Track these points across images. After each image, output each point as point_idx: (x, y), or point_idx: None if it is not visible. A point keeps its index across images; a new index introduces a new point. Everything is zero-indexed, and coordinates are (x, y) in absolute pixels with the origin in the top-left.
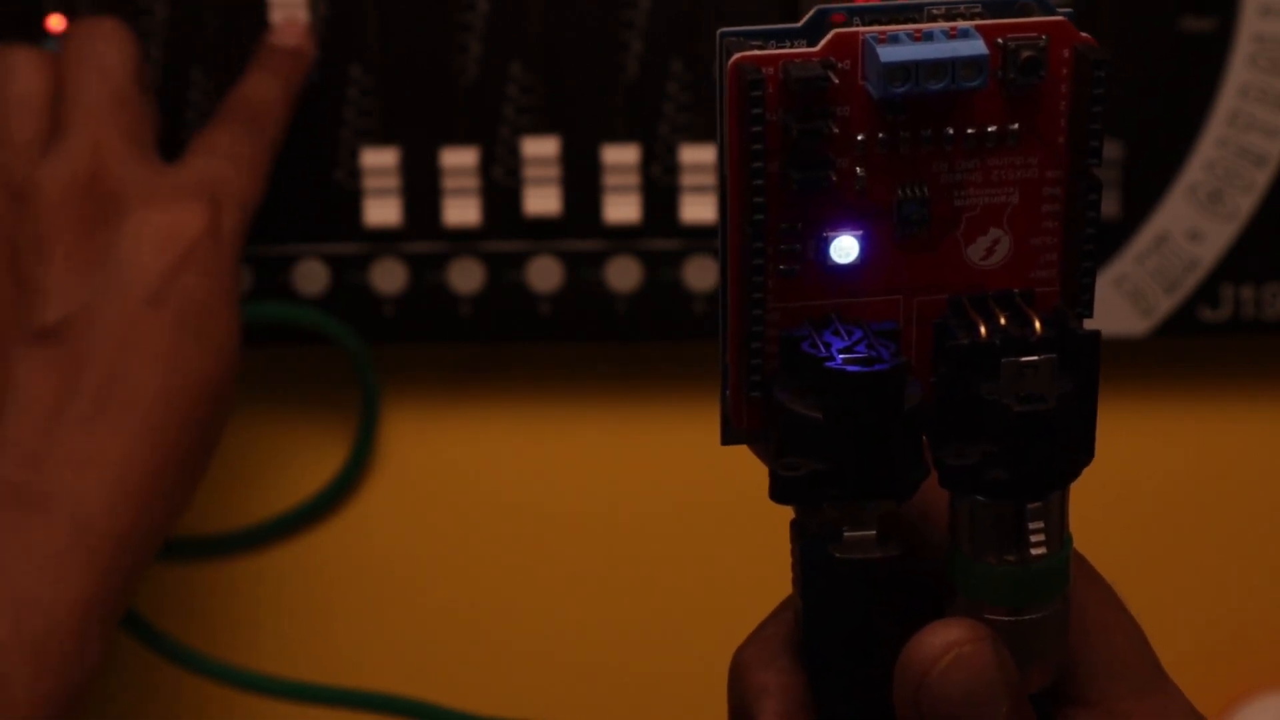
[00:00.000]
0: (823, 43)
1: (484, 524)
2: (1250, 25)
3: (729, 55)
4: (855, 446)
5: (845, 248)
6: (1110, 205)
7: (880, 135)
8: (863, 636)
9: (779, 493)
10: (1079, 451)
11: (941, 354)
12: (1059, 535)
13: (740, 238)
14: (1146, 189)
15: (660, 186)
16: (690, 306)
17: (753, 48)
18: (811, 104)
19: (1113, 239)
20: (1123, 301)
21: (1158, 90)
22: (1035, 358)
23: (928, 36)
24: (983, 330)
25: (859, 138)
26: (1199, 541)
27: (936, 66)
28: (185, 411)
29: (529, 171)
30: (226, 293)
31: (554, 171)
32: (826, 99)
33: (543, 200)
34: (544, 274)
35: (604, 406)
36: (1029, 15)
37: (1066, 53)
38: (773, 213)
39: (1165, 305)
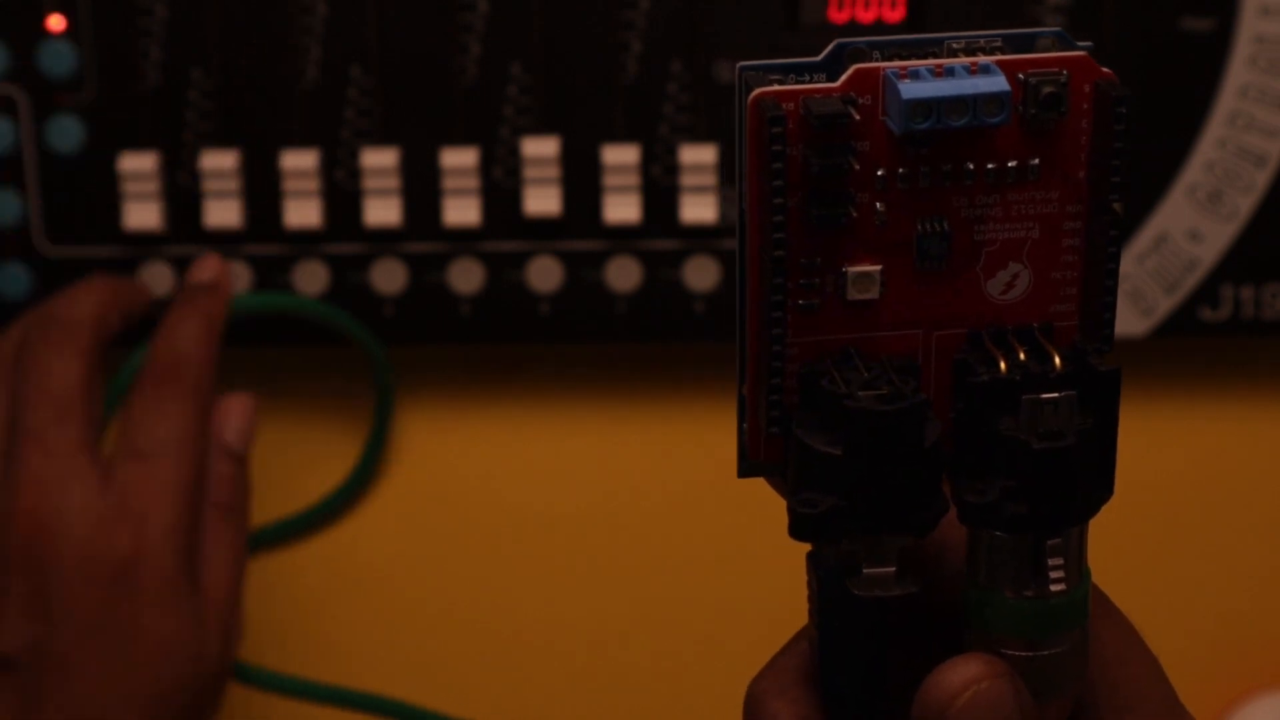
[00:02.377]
0: (844, 78)
1: (483, 524)
2: (1250, 25)
3: (749, 90)
4: (874, 483)
5: (865, 282)
6: None
7: (900, 170)
8: (879, 669)
9: (797, 530)
10: (1098, 488)
11: (961, 390)
12: (1077, 570)
13: (760, 272)
14: (1146, 189)
15: (660, 186)
16: (690, 307)
17: (772, 82)
18: (832, 139)
19: None
20: (1123, 301)
21: (1158, 90)
22: (1055, 394)
23: (949, 72)
24: (1003, 366)
25: (879, 173)
26: (1199, 541)
27: (959, 103)
28: (154, 715)
29: (529, 171)
30: (168, 598)
31: (554, 171)
32: (847, 134)
33: (543, 200)
34: (544, 274)
35: (604, 406)
36: (1049, 50)
37: (1087, 88)
38: (793, 248)
39: (1165, 305)
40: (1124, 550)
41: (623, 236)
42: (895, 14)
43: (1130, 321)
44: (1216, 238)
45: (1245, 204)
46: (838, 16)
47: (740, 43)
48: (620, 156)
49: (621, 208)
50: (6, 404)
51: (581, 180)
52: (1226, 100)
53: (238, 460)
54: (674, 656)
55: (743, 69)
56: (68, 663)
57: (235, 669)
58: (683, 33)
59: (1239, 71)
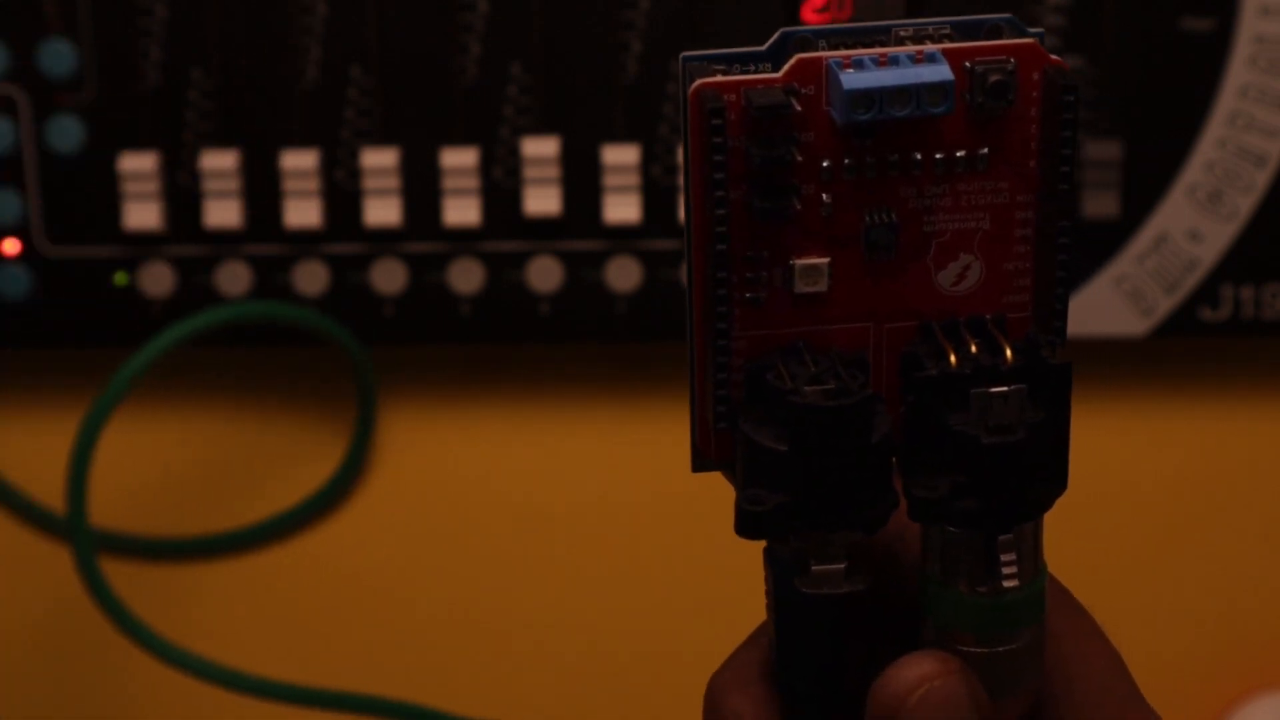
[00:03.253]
0: (785, 68)
1: (483, 524)
2: (1250, 25)
3: (691, 80)
4: (821, 479)
5: (812, 275)
6: (1110, 205)
7: (846, 161)
8: (836, 664)
9: (743, 527)
10: (1051, 482)
11: (909, 384)
12: (1032, 566)
13: (704, 266)
14: (1146, 189)
15: (660, 186)
16: None
17: (715, 73)
18: (774, 131)
19: (1113, 239)
20: (1123, 301)
21: (1158, 90)
22: (1005, 388)
23: (893, 61)
24: (953, 359)
25: (824, 164)
26: (1198, 541)
27: (900, 93)
28: None
29: (529, 171)
30: None
31: (554, 171)
32: (789, 125)
33: (543, 200)
34: (544, 274)
35: (604, 406)
36: (999, 37)
37: (1036, 75)
38: (736, 241)
39: (1165, 305)
40: (1124, 550)
41: (623, 236)
42: (894, 15)
43: (1130, 321)
44: (1216, 238)
45: (1245, 204)
46: (839, 16)
47: (740, 43)
48: (620, 156)
49: (621, 208)
50: None
51: (581, 180)
52: (1226, 100)
53: None
54: (674, 656)
55: (686, 59)
56: None
57: (223, 672)
58: (683, 33)
59: (1239, 71)
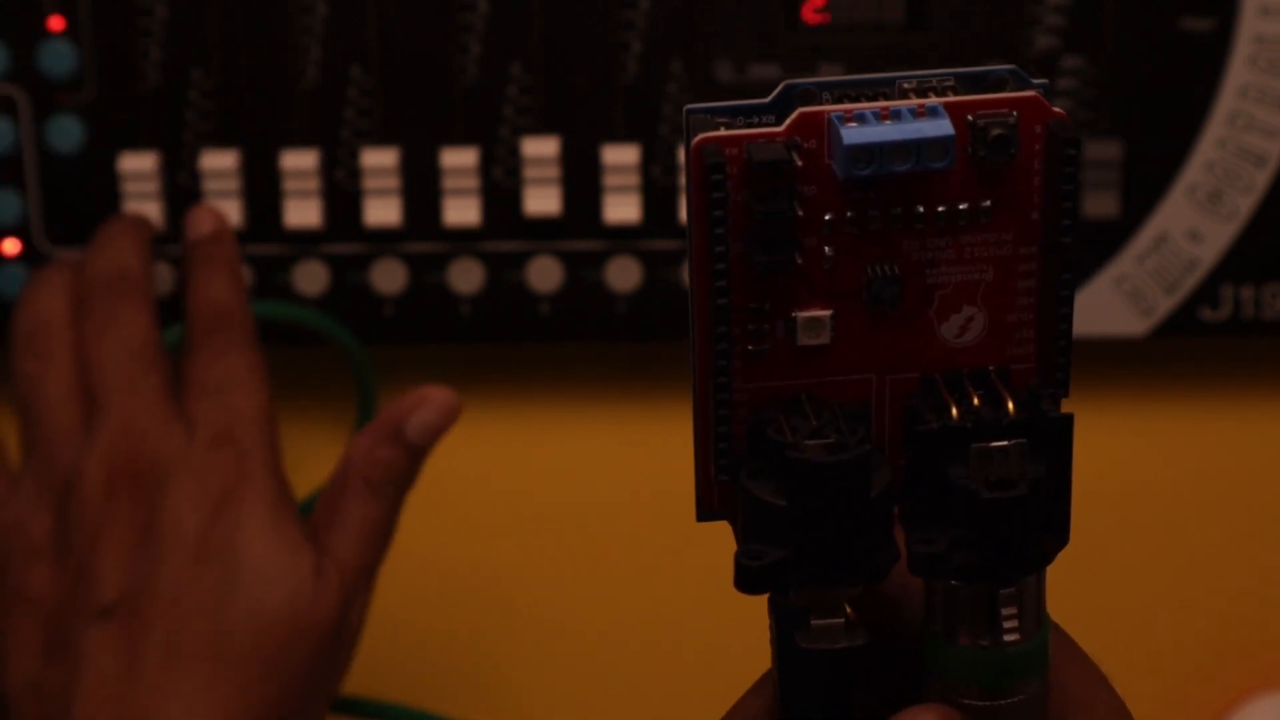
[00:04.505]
0: (787, 122)
1: (482, 524)
2: (1250, 25)
3: (694, 134)
4: (820, 534)
5: (815, 328)
6: (1110, 205)
7: (848, 214)
8: (838, 717)
9: (743, 582)
10: (1052, 536)
11: (910, 438)
12: (1035, 619)
13: (707, 318)
14: (1146, 189)
15: (660, 186)
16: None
17: (719, 125)
18: (775, 185)
19: (1113, 239)
20: (1123, 301)
21: (1158, 90)
22: (1005, 442)
23: (894, 115)
24: (954, 412)
25: (826, 217)
26: (1198, 541)
27: (901, 148)
28: (255, 658)
29: (529, 171)
30: (273, 524)
31: (554, 171)
32: (791, 180)
33: (543, 200)
34: (544, 274)
35: (604, 406)
36: (1003, 89)
37: (1039, 128)
38: (738, 294)
39: (1165, 305)
40: (1124, 550)
41: (623, 236)
42: (894, 15)
43: (1130, 321)
44: (1216, 238)
45: (1245, 204)
46: (838, 17)
47: (740, 43)
48: (620, 156)
49: (621, 208)
50: (73, 366)
51: (581, 180)
52: (1226, 100)
53: (408, 450)
54: (673, 656)
55: (689, 112)
56: (169, 597)
57: None
58: (683, 33)
59: (1239, 71)
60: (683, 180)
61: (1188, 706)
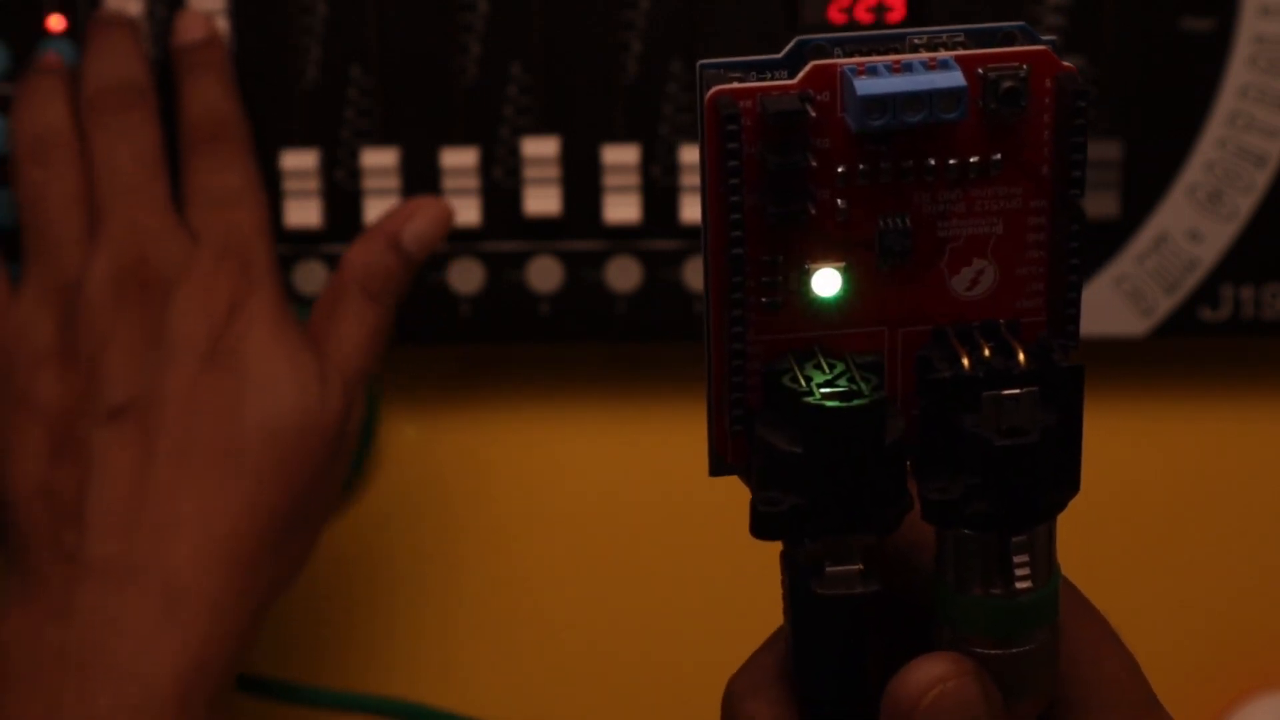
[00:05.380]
0: (801, 75)
1: (483, 524)
2: (1250, 25)
3: (708, 88)
4: (835, 481)
5: (827, 280)
6: (1110, 205)
7: (861, 167)
8: (851, 668)
9: (759, 528)
10: (1063, 485)
11: (923, 387)
12: (1046, 568)
13: (721, 271)
14: (1146, 189)
15: (660, 186)
16: (690, 306)
17: (732, 80)
18: (788, 137)
19: (1113, 239)
20: (1123, 301)
21: (1158, 90)
22: (1017, 390)
23: (906, 68)
24: (965, 362)
25: (839, 169)
26: (1198, 541)
27: (914, 99)
28: (267, 459)
29: (529, 171)
30: (279, 332)
31: (554, 171)
32: (804, 132)
33: (543, 200)
34: (544, 274)
35: (604, 406)
36: (1012, 44)
37: (1049, 82)
38: (752, 246)
39: (1165, 305)
40: (1124, 550)
41: (623, 236)
42: (895, 14)
43: (1130, 321)
44: (1216, 238)
45: (1245, 204)
46: (838, 18)
47: (740, 43)
48: (620, 156)
49: (621, 208)
50: (78, 174)
51: (581, 180)
52: (1226, 100)
53: (404, 258)
54: (674, 656)
55: (703, 66)
56: (180, 401)
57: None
58: (683, 33)
59: (1239, 71)
60: (683, 180)
61: (1188, 706)
